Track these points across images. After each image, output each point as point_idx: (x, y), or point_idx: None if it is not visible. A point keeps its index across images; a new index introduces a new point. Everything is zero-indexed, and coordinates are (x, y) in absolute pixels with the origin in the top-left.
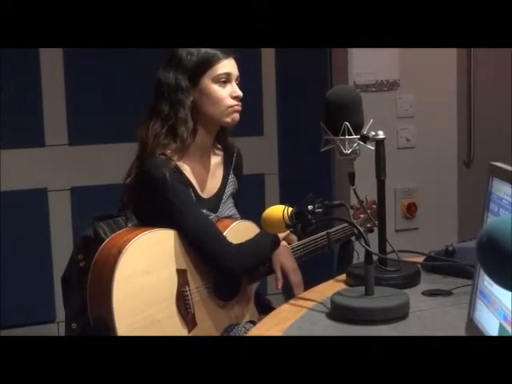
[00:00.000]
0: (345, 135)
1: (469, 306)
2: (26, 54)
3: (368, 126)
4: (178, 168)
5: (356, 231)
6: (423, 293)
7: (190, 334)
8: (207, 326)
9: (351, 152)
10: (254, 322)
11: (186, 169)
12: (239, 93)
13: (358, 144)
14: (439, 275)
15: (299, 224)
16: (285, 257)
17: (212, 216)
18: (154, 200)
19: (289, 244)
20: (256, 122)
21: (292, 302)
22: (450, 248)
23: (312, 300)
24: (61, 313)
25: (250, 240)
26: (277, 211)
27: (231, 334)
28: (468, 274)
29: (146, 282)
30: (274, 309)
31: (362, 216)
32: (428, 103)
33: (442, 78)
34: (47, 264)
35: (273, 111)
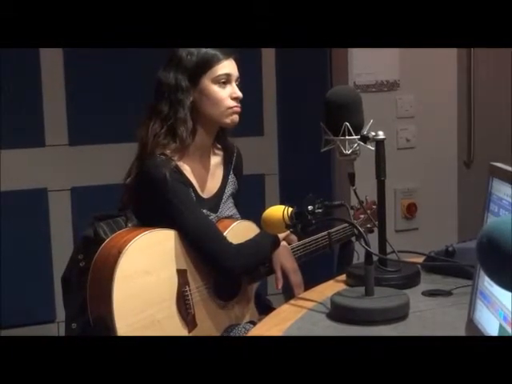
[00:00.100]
0: (345, 135)
1: (469, 306)
2: (26, 54)
3: (368, 127)
4: (178, 168)
5: (356, 231)
6: (423, 293)
7: (190, 334)
8: (207, 326)
9: (351, 152)
10: (254, 323)
11: (186, 169)
12: (239, 94)
13: (358, 144)
14: (439, 275)
15: (299, 224)
16: (285, 257)
17: (212, 216)
18: (154, 200)
19: (289, 244)
20: (256, 122)
21: (292, 302)
22: (450, 248)
23: (312, 300)
24: (61, 313)
25: (250, 240)
26: (277, 211)
27: (231, 334)
28: (468, 275)
29: (146, 282)
30: (274, 309)
31: (362, 216)
32: (428, 103)
33: (442, 78)
34: (47, 264)
35: (273, 111)
